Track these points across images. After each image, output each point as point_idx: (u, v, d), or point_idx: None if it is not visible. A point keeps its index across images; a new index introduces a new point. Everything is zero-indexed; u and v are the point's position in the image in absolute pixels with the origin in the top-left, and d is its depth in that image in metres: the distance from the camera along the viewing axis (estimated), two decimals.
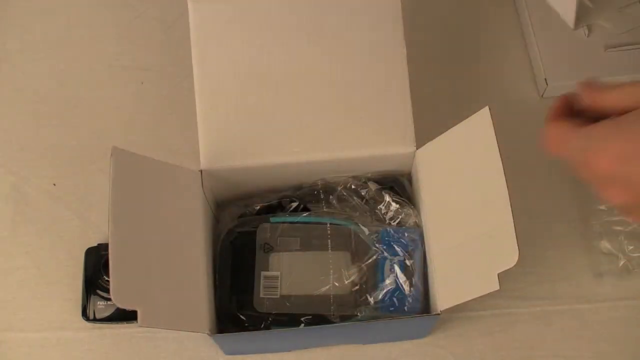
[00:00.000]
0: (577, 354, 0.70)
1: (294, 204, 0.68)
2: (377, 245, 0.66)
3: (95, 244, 0.73)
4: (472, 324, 0.71)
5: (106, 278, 0.69)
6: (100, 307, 0.70)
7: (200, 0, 0.67)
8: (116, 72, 0.84)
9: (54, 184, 0.78)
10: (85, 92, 0.83)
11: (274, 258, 0.65)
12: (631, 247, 0.72)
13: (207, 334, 0.60)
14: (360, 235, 0.65)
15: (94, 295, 0.70)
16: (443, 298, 0.62)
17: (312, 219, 0.66)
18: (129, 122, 0.81)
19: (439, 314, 0.62)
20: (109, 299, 0.67)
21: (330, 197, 0.69)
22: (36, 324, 0.72)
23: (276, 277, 0.64)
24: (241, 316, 0.64)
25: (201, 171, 0.65)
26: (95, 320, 0.70)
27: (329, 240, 0.65)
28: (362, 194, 0.69)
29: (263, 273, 0.63)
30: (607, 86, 0.46)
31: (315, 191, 0.70)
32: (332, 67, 0.67)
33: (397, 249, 0.65)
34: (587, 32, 0.81)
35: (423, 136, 0.66)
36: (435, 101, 0.79)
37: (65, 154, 0.79)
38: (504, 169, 0.55)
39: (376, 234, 0.66)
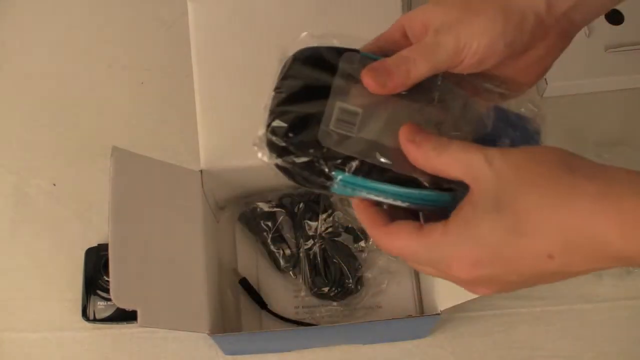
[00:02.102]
0: (577, 354, 0.70)
1: None
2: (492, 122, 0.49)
3: (95, 244, 0.73)
4: (472, 324, 0.71)
5: (106, 278, 0.69)
6: (100, 307, 0.70)
7: (200, 0, 0.67)
8: (116, 72, 0.84)
9: (54, 184, 0.78)
10: (85, 92, 0.83)
11: (357, 91, 0.45)
12: None
13: (207, 334, 0.60)
14: (474, 105, 0.48)
15: (94, 295, 0.70)
16: (443, 298, 0.62)
17: None
18: (129, 122, 0.81)
19: (439, 314, 0.62)
20: (109, 299, 0.67)
21: (331, 197, 0.70)
22: (36, 324, 0.72)
23: (355, 114, 0.44)
24: (290, 146, 0.43)
25: (201, 171, 0.65)
26: (95, 320, 0.70)
27: (437, 94, 0.47)
28: None
29: (339, 104, 0.44)
30: (433, 145, 0.39)
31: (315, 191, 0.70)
32: None
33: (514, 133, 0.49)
34: (587, 32, 0.81)
35: None
36: None
37: (65, 154, 0.79)
38: None
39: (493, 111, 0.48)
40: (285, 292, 0.71)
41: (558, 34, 0.44)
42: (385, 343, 0.71)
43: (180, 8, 0.71)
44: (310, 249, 0.70)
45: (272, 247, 0.71)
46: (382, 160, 0.42)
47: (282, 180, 0.72)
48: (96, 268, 0.71)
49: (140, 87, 0.83)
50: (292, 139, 0.43)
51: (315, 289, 0.70)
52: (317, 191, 0.44)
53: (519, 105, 0.48)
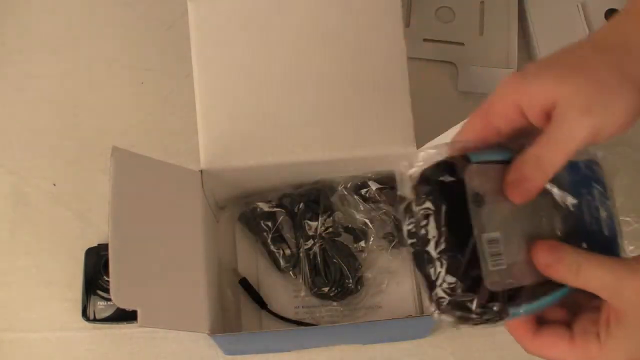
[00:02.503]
0: None
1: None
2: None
3: (95, 244, 0.73)
4: None
5: (106, 278, 0.69)
6: (100, 307, 0.70)
7: (200, 0, 0.67)
8: (116, 72, 0.84)
9: (54, 184, 0.78)
10: (85, 92, 0.83)
11: (487, 213, 0.41)
12: (632, 247, 0.72)
13: (207, 334, 0.60)
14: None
15: (94, 295, 0.70)
16: None
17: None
18: (129, 122, 0.81)
19: None
20: (109, 299, 0.67)
21: (331, 196, 0.70)
22: (36, 324, 0.72)
23: (498, 241, 0.41)
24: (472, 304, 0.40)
25: (201, 171, 0.65)
26: (95, 320, 0.70)
27: None
28: (362, 193, 0.70)
29: (484, 235, 0.40)
30: (568, 267, 0.41)
31: (315, 191, 0.70)
32: (332, 66, 0.67)
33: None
34: (587, 32, 0.81)
35: (423, 136, 0.66)
36: (435, 101, 0.79)
37: (65, 154, 0.79)
38: None
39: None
40: (285, 292, 0.71)
41: None
42: (385, 343, 0.70)
43: (180, 8, 0.71)
44: (310, 249, 0.70)
45: (272, 247, 0.71)
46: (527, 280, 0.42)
47: (282, 181, 0.73)
48: (96, 268, 0.71)
49: (140, 87, 0.83)
50: (471, 304, 0.39)
51: (315, 289, 0.70)
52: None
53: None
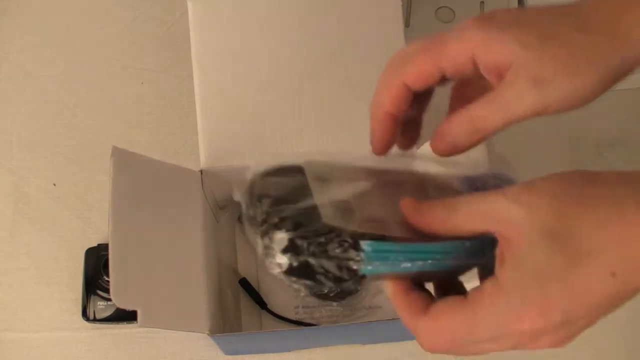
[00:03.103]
0: (577, 354, 0.70)
1: None
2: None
3: (95, 244, 0.73)
4: None
5: (106, 278, 0.69)
6: (100, 307, 0.70)
7: (200, 1, 0.67)
8: (116, 72, 0.84)
9: (54, 184, 0.78)
10: (85, 92, 0.83)
11: (334, 187, 0.43)
12: None
13: (207, 334, 0.60)
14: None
15: (94, 295, 0.70)
16: None
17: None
18: (129, 122, 0.81)
19: None
20: (109, 299, 0.67)
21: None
22: (36, 324, 0.72)
23: (348, 202, 0.42)
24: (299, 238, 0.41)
25: (201, 171, 0.65)
26: (95, 320, 0.70)
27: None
28: None
29: (329, 196, 0.41)
30: (441, 207, 0.36)
31: None
32: (332, 66, 0.67)
33: None
34: None
35: (423, 136, 0.66)
36: (435, 100, 0.79)
37: (65, 154, 0.79)
38: None
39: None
40: (285, 292, 0.71)
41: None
42: (385, 343, 0.70)
43: (180, 8, 0.71)
44: None
45: None
46: (396, 233, 0.38)
47: None
48: (96, 268, 0.71)
49: (140, 87, 0.83)
50: (298, 232, 0.39)
51: (316, 289, 0.70)
52: (339, 286, 0.41)
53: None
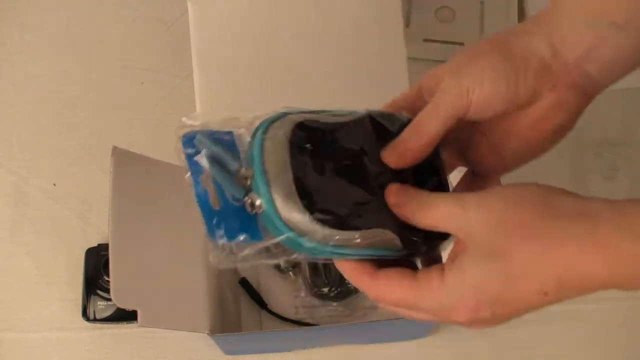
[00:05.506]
0: (577, 354, 0.70)
1: None
2: None
3: (95, 244, 0.73)
4: None
5: (106, 278, 0.69)
6: (100, 307, 0.70)
7: (200, 1, 0.67)
8: (116, 72, 0.84)
9: (54, 184, 0.78)
10: (85, 92, 0.83)
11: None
12: None
13: (207, 334, 0.60)
14: None
15: (94, 295, 0.70)
16: None
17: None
18: (129, 122, 0.81)
19: None
20: (109, 299, 0.67)
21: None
22: (36, 324, 0.72)
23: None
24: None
25: None
26: (95, 320, 0.70)
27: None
28: None
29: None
30: (418, 202, 0.40)
31: None
32: (331, 67, 0.67)
33: None
34: None
35: None
36: None
37: (65, 154, 0.79)
38: None
39: None
40: (285, 292, 0.71)
41: (569, 86, 0.42)
42: (385, 343, 0.70)
43: (180, 8, 0.71)
44: None
45: None
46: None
47: None
48: (96, 268, 0.71)
49: (140, 87, 0.83)
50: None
51: (315, 289, 0.70)
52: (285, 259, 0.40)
53: None
